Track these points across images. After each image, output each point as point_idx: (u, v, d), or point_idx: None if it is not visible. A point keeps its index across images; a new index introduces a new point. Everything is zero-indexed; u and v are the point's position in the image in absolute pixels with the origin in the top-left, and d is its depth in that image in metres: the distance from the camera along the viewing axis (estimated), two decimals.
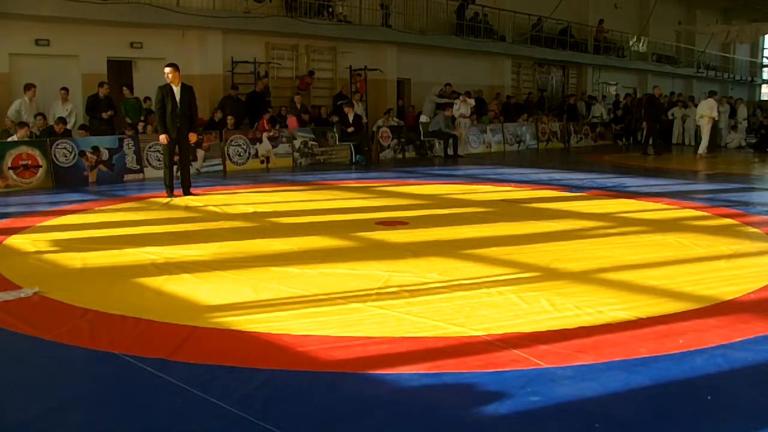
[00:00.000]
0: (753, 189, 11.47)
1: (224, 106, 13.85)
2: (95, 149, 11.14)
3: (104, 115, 12.27)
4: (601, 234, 6.96)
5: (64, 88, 12.26)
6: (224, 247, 6.18)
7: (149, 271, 5.31)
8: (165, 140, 9.14)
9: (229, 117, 13.32)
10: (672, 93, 24.41)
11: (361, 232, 6.94)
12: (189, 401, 3.08)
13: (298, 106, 14.85)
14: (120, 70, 14.26)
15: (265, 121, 13.78)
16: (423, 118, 16.53)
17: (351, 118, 14.41)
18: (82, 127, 11.92)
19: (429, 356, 3.58)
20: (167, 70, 9.09)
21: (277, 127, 13.99)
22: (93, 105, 12.39)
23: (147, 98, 13.02)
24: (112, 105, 12.56)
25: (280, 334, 3.87)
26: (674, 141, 21.39)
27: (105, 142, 11.41)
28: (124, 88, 13.24)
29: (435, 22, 19.40)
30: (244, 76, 15.52)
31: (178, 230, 7.09)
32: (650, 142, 17.64)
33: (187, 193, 9.38)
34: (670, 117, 21.46)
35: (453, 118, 16.70)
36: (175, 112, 9.06)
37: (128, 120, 12.74)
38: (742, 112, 21.77)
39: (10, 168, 10.21)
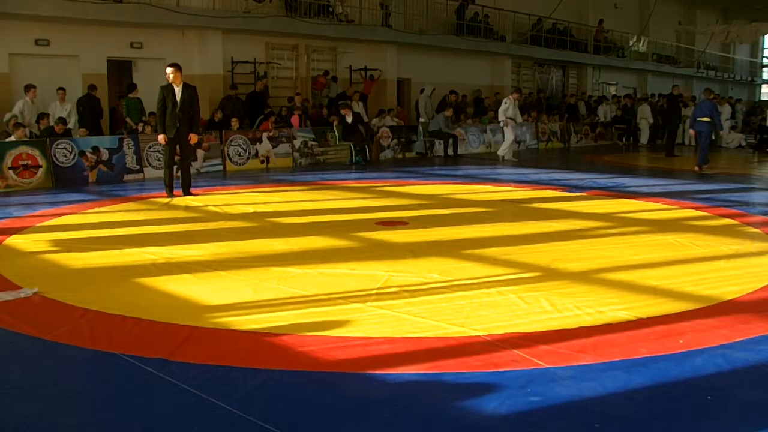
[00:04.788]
0: (753, 189, 11.46)
1: (224, 106, 13.84)
2: (95, 149, 11.14)
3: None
4: (601, 234, 6.96)
5: (62, 88, 12.25)
6: (224, 247, 6.18)
7: (149, 271, 5.31)
8: (163, 140, 9.17)
9: (234, 119, 13.28)
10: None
11: (361, 232, 6.93)
12: (189, 401, 3.08)
13: (299, 105, 14.83)
14: (120, 70, 14.25)
15: (270, 122, 13.76)
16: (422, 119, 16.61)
17: (349, 119, 14.34)
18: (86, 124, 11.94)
19: (429, 356, 3.58)
20: (169, 70, 9.10)
21: (271, 123, 13.92)
22: (90, 105, 12.41)
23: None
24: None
25: (280, 334, 3.87)
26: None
27: (105, 142, 11.41)
28: (130, 94, 13.15)
29: (435, 22, 19.39)
30: (244, 76, 15.52)
31: (178, 230, 7.09)
32: (674, 142, 17.69)
33: (187, 193, 9.38)
34: None
35: (452, 119, 16.69)
36: (174, 112, 9.06)
37: (129, 120, 12.73)
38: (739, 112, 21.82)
39: (10, 168, 10.20)
